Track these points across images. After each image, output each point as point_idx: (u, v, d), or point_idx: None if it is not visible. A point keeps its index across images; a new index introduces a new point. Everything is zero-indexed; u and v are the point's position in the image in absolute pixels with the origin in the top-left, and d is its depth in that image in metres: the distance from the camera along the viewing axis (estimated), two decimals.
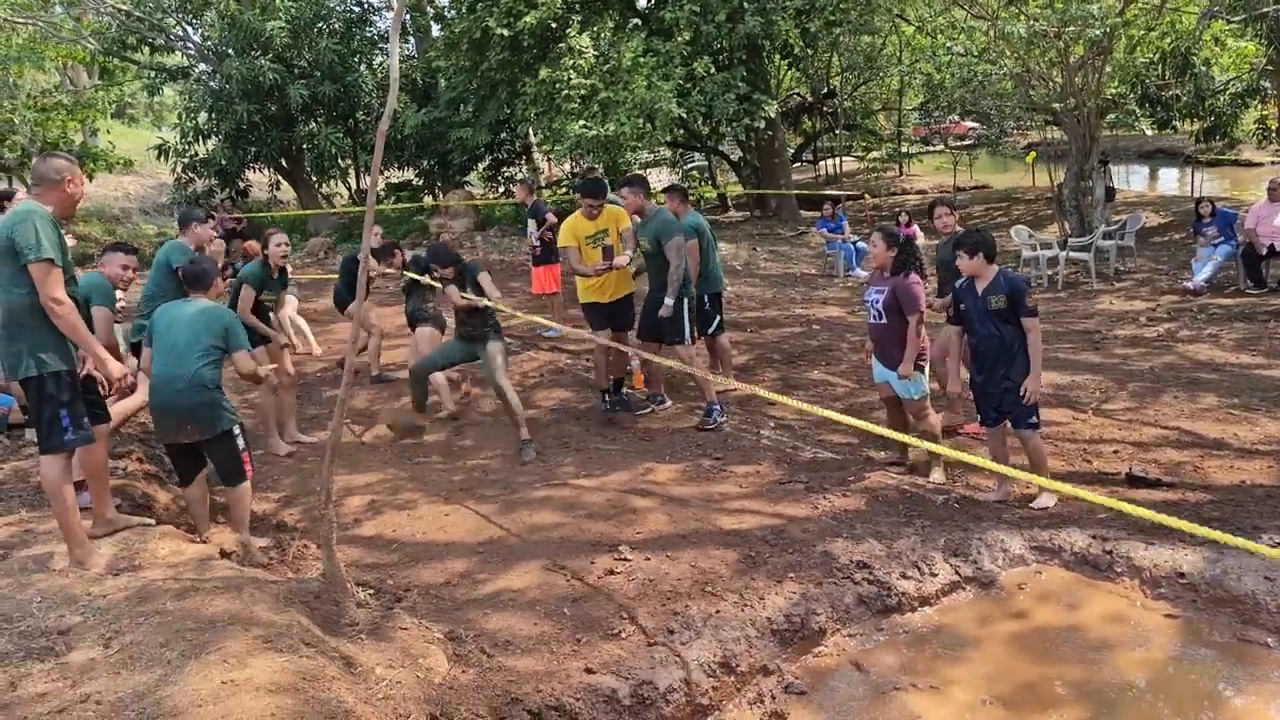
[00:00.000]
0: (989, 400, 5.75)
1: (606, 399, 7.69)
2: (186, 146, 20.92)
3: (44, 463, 4.32)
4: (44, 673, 3.47)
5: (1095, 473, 6.12)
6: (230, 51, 19.34)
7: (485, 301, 6.77)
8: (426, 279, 7.38)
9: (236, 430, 5.19)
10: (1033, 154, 18.50)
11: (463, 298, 6.81)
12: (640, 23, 18.21)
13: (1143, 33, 15.36)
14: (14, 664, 3.53)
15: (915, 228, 13.13)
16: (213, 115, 20.06)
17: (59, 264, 4.15)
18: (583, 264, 7.43)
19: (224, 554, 4.91)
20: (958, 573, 5.00)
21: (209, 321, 5.16)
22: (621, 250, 7.44)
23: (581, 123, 15.04)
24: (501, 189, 22.56)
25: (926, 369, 6.16)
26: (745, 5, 16.19)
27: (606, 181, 9.08)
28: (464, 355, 7.15)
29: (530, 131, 19.37)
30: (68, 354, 4.28)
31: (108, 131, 27.00)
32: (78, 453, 4.54)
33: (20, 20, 19.34)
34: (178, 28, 21.29)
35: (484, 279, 6.93)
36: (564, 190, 21.78)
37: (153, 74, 22.20)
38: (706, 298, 7.84)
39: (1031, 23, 13.09)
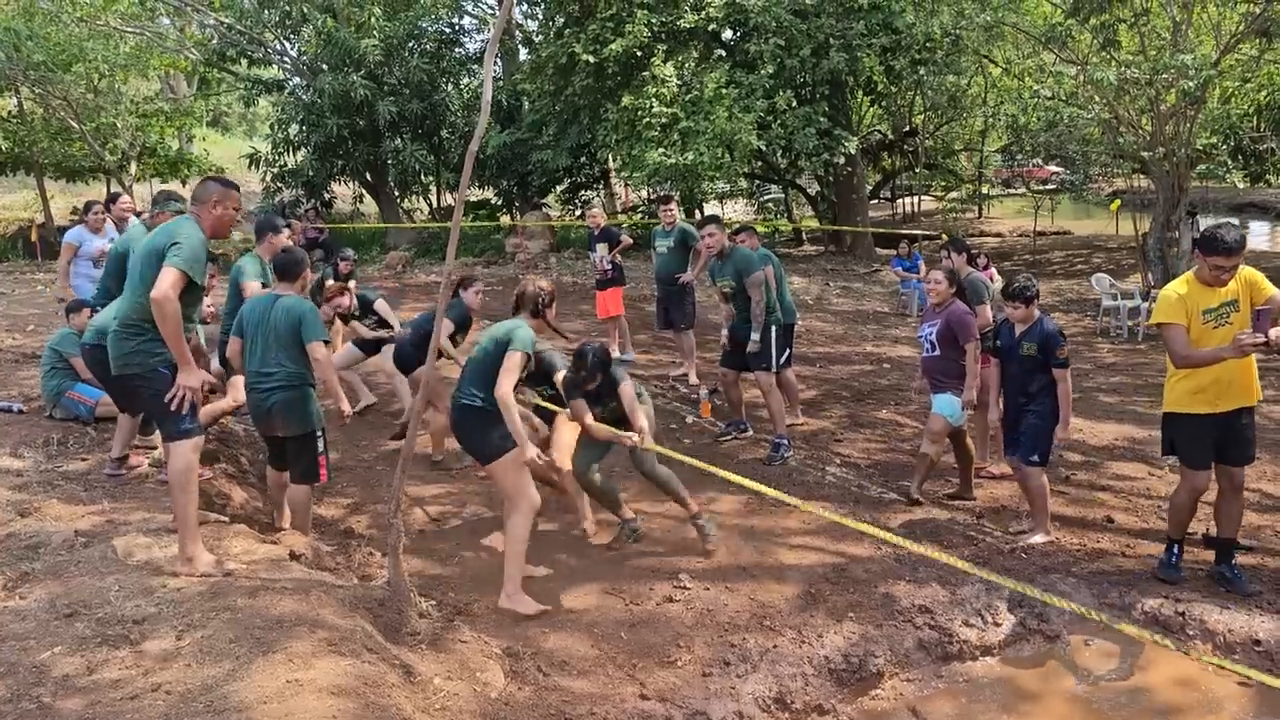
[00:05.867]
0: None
1: (1177, 552, 5.23)
2: (277, 156, 21.52)
3: (173, 452, 4.42)
4: (119, 660, 3.58)
5: None
6: (324, 67, 19.89)
7: (634, 439, 5.32)
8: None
9: (319, 433, 5.29)
10: (1117, 202, 18.14)
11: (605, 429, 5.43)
12: (724, 54, 18.32)
13: (1239, 84, 15.03)
14: (91, 649, 3.65)
15: (993, 270, 12.96)
16: (303, 128, 20.62)
17: (192, 280, 4.30)
18: (1199, 347, 4.82)
19: (294, 556, 5.02)
20: (1022, 624, 4.91)
21: (289, 315, 5.23)
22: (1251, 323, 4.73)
23: (661, 150, 15.16)
24: (578, 212, 22.79)
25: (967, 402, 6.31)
26: (830, 41, 16.19)
27: None
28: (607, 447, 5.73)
29: (610, 157, 19.58)
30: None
31: (203, 139, 27.96)
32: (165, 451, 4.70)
33: (128, 29, 20.13)
34: (276, 42, 21.97)
35: (626, 391, 5.46)
36: (639, 216, 21.94)
37: (249, 85, 22.92)
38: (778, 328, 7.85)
39: (1123, 69, 12.88)
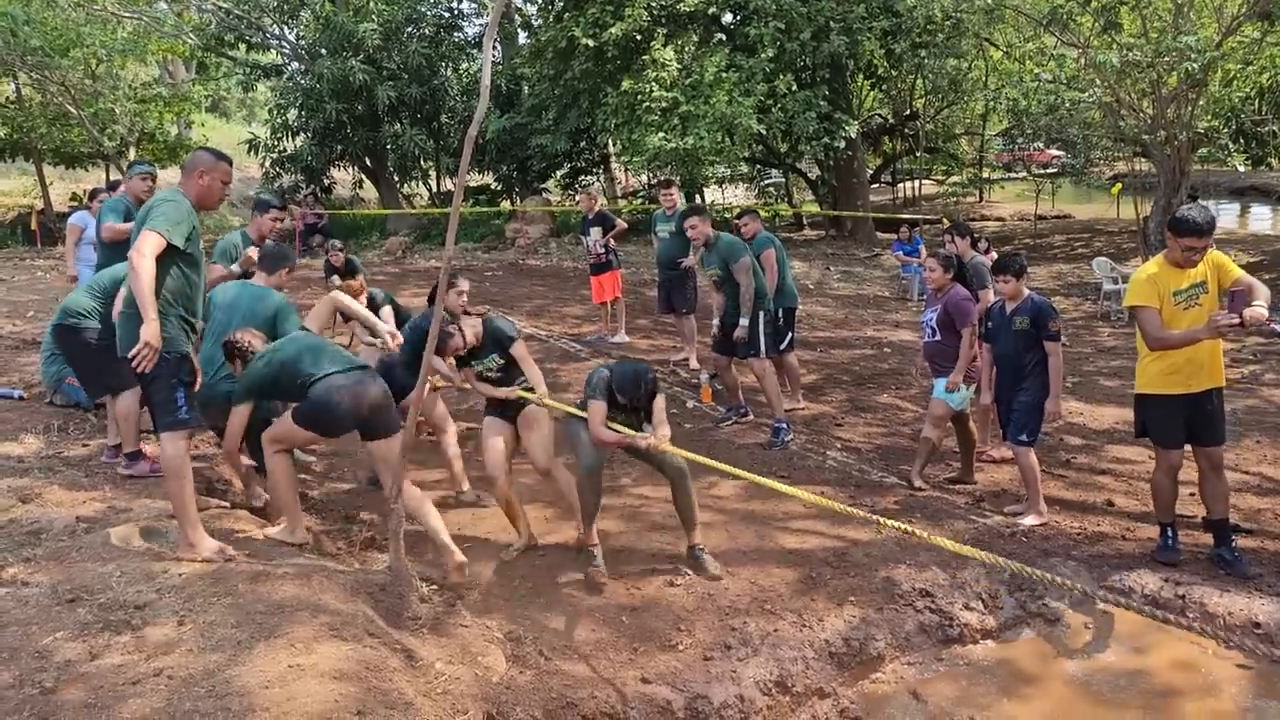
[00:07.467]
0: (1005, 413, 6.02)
1: (1170, 534, 5.28)
2: (276, 142, 21.45)
3: (164, 441, 4.41)
4: (121, 645, 3.59)
5: None
6: (323, 51, 19.82)
7: (649, 439, 4.96)
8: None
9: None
10: (1118, 185, 18.09)
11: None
12: (724, 38, 18.25)
13: (1240, 66, 14.96)
14: (93, 634, 3.65)
15: (993, 254, 12.93)
16: (302, 113, 20.56)
17: (171, 242, 4.23)
18: (1170, 328, 4.90)
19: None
20: (1022, 607, 4.92)
21: (253, 304, 5.26)
22: (1221, 304, 4.88)
23: (661, 135, 15.12)
24: (578, 197, 22.74)
25: (970, 388, 6.35)
26: (831, 24, 16.13)
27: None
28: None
29: (609, 141, 19.52)
30: (184, 338, 4.43)
31: (202, 124, 27.86)
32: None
33: (126, 14, 20.03)
34: (274, 27, 21.88)
35: (659, 403, 5.11)
36: (640, 201, 21.90)
37: (247, 70, 22.81)
38: (781, 312, 7.83)
39: (1125, 52, 12.83)
